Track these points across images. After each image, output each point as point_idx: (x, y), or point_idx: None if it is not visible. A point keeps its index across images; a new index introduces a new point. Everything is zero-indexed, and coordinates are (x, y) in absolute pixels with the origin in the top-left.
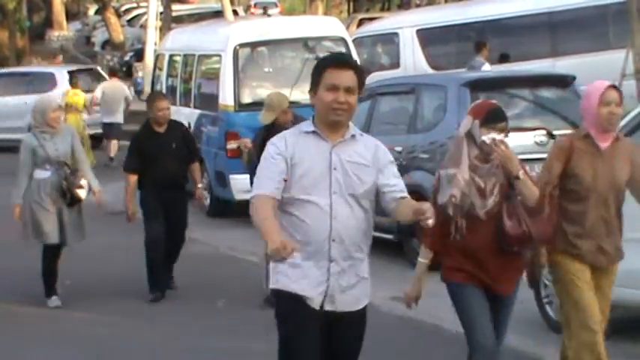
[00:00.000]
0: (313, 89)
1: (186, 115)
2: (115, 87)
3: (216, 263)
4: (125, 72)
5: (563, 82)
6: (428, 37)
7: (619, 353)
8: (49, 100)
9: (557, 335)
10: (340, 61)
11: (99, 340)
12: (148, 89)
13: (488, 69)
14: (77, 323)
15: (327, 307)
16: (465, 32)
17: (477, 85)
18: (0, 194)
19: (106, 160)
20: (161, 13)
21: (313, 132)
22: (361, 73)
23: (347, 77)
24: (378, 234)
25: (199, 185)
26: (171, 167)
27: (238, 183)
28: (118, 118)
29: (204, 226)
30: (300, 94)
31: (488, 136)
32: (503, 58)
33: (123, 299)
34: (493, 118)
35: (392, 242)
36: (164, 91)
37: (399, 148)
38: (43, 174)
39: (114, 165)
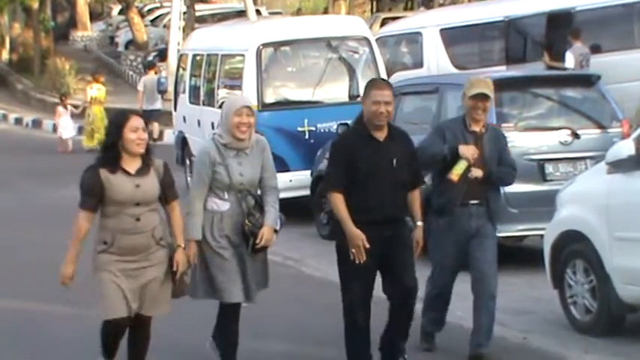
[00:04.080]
0: None
1: (209, 115)
2: (153, 79)
3: None
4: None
5: (588, 81)
6: (451, 36)
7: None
8: (234, 99)
9: (581, 336)
10: None
11: None
12: (171, 89)
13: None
14: None
15: None
16: (489, 31)
17: (501, 85)
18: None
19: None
20: (184, 13)
21: None
22: None
23: None
24: None
25: (419, 223)
26: (388, 193)
27: None
28: (157, 105)
29: None
30: (324, 93)
31: None
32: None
33: None
34: None
35: None
36: (187, 90)
37: None
38: (220, 205)
39: (159, 143)
